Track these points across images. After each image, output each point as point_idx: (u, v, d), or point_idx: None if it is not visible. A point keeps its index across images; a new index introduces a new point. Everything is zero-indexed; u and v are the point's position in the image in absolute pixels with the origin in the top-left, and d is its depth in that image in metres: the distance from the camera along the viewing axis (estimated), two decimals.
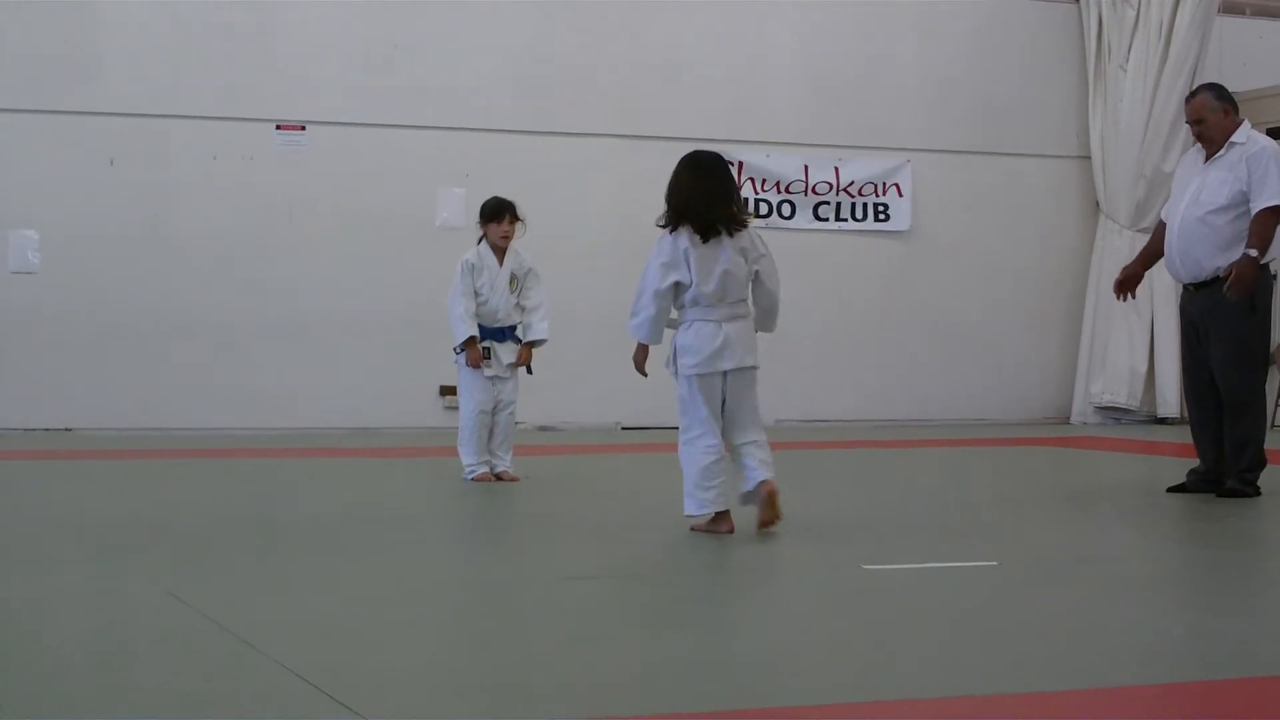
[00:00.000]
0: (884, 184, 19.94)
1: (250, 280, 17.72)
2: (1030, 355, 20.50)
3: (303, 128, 18.01)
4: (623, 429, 18.49)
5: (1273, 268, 11.57)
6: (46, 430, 17.04)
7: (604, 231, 18.72)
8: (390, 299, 17.95)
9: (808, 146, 19.61)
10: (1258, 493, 11.35)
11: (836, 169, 19.69)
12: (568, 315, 18.56)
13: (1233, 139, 11.38)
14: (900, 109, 19.95)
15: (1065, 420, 20.35)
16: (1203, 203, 11.36)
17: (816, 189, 19.68)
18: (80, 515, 10.50)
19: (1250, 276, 11.17)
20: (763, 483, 9.35)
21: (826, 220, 19.72)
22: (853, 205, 19.84)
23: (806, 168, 19.61)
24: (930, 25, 20.11)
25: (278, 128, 17.94)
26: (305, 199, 17.87)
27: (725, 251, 9.34)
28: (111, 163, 17.43)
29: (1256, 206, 11.20)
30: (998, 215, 20.35)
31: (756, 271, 9.53)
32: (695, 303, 9.40)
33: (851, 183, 19.80)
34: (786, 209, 19.57)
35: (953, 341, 20.11)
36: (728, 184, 9.55)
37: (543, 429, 18.21)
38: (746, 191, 19.26)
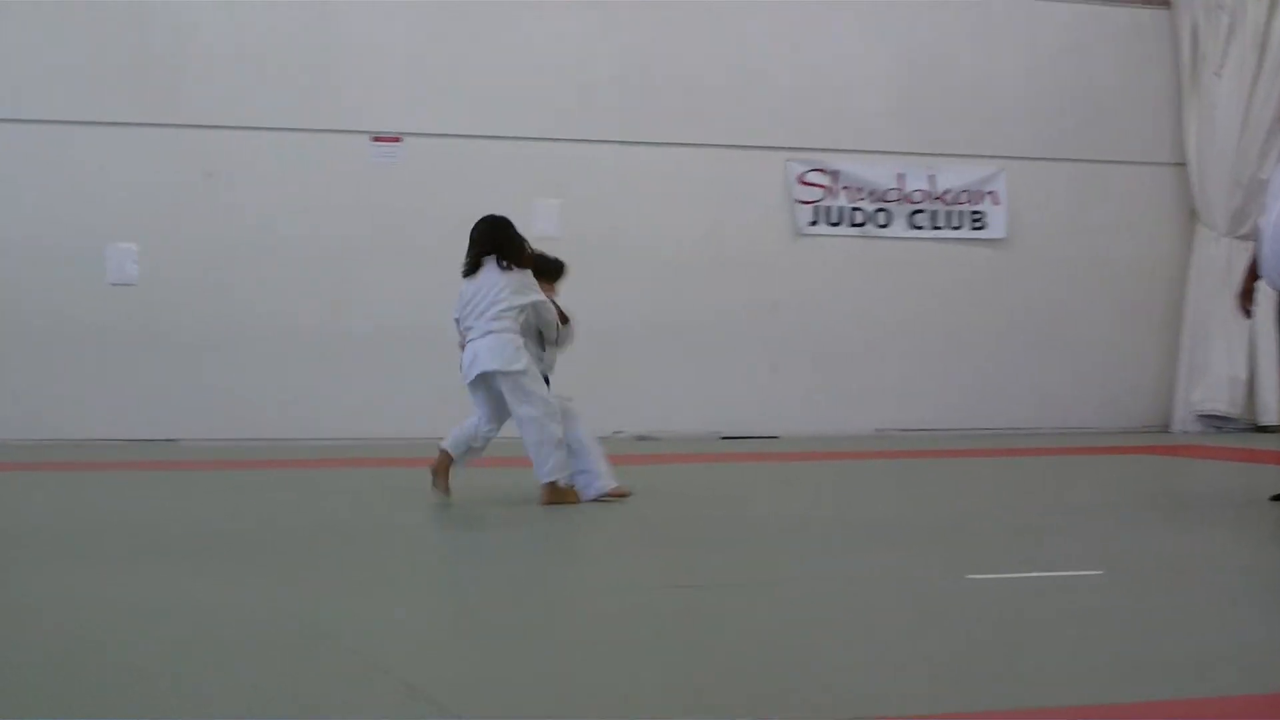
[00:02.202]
0: (979, 192, 19.87)
1: (344, 291, 17.83)
2: (1127, 363, 20.35)
3: (399, 139, 18.11)
4: (722, 439, 18.47)
5: None
6: (149, 441, 17.20)
7: (695, 240, 18.75)
8: None
9: (902, 155, 19.56)
10: None
11: (931, 177, 19.64)
12: (661, 324, 18.64)
13: None
14: (995, 117, 19.85)
15: (1164, 428, 20.19)
16: None
17: (911, 197, 19.64)
18: (185, 524, 10.61)
19: None
20: None
21: (922, 228, 19.67)
22: (948, 213, 19.78)
23: (902, 176, 19.56)
24: (1024, 33, 20.02)
25: (374, 140, 18.05)
26: (400, 210, 17.95)
27: None
28: (208, 175, 17.57)
29: None
30: (1093, 222, 20.23)
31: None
32: None
33: (947, 191, 19.73)
34: (882, 217, 19.53)
35: (1050, 349, 19.99)
36: None
37: (641, 439, 18.24)
38: (841, 200, 19.30)
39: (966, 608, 7.58)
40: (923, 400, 19.53)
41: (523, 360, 11.38)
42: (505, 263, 11.52)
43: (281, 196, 17.72)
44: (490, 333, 11.37)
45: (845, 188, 19.37)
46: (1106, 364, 20.21)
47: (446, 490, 11.62)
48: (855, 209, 19.42)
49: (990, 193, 19.88)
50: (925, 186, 19.65)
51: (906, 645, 6.72)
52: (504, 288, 11.44)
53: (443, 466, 11.67)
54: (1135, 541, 10.10)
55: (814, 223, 19.27)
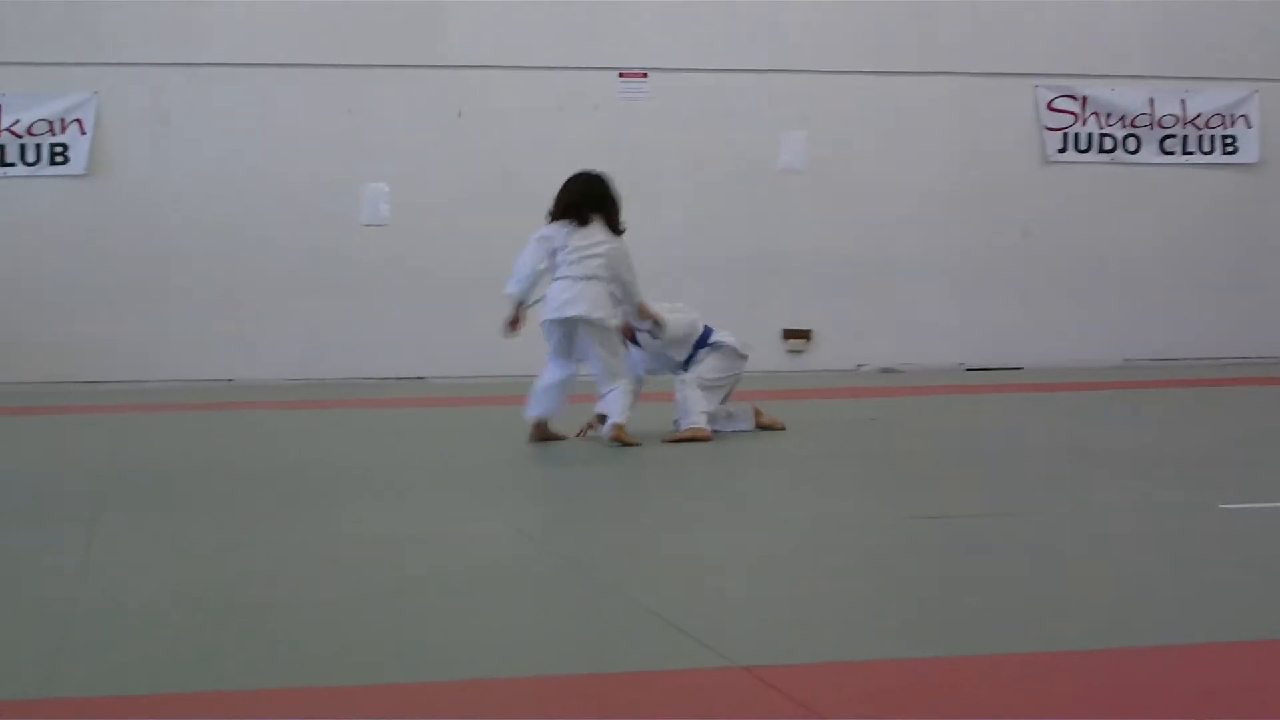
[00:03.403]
0: (1232, 115, 19.45)
1: None
2: None
3: (645, 75, 18.17)
4: (967, 370, 18.34)
5: None
6: (399, 379, 17.51)
7: (944, 173, 18.61)
8: (733, 242, 18.06)
9: (1153, 79, 19.20)
10: None
11: (1183, 101, 19.26)
12: (911, 259, 18.53)
13: None
14: (1247, 38, 19.40)
15: None
16: None
17: (1162, 122, 19.28)
18: (436, 458, 10.81)
19: None
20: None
21: (1173, 154, 19.32)
22: (1200, 138, 19.40)
23: (1152, 100, 19.22)
24: None
25: (620, 75, 18.13)
26: (648, 146, 18.00)
27: None
28: (460, 114, 17.79)
29: None
30: None
31: None
32: None
33: (1198, 115, 19.35)
34: (1132, 143, 19.21)
35: None
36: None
37: (886, 371, 18.18)
38: (1091, 126, 19.04)
39: (1220, 537, 7.46)
40: (1173, 328, 19.21)
41: (617, 315, 11.20)
42: (612, 227, 11.33)
43: (530, 135, 17.82)
44: (592, 278, 11.10)
45: (1094, 113, 19.09)
46: None
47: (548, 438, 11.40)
48: (1105, 135, 19.13)
49: (1243, 116, 19.45)
50: (1176, 111, 19.29)
51: (1159, 574, 6.63)
52: (610, 250, 11.21)
53: (540, 432, 11.34)
54: None
55: (1062, 149, 19.03)
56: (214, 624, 5.68)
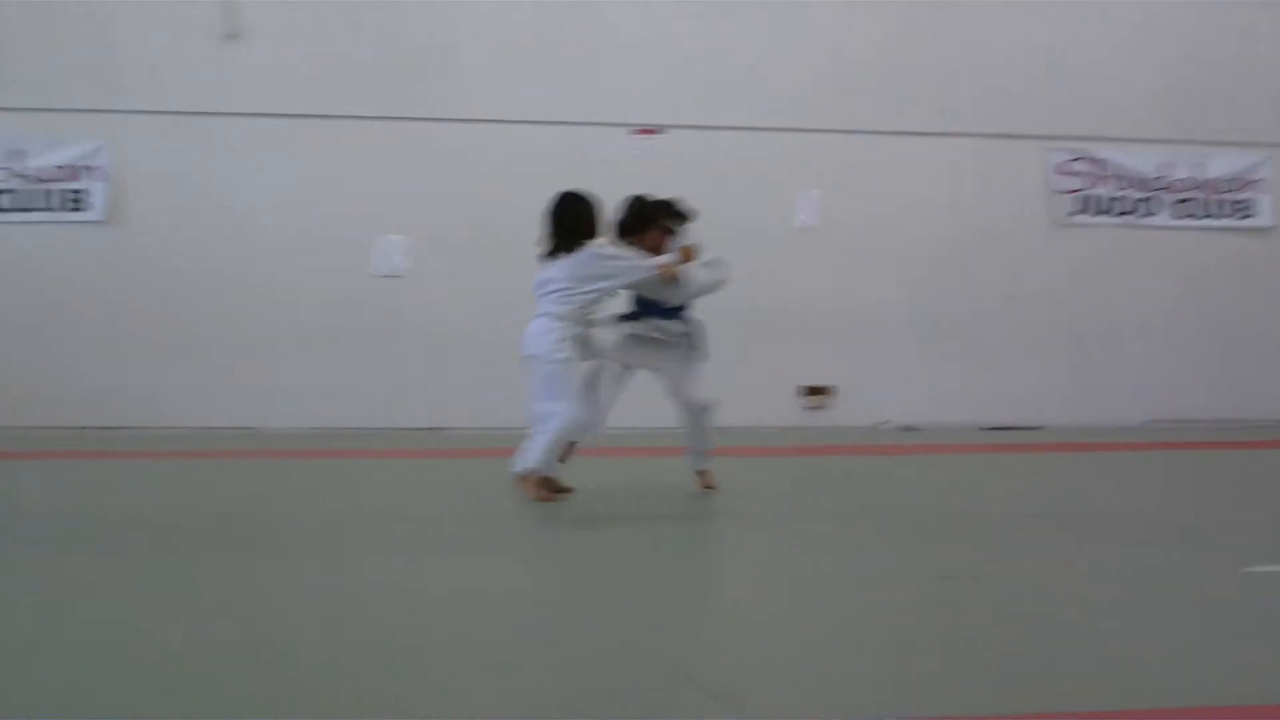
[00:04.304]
0: (1245, 180, 19.50)
1: None
2: None
3: (658, 130, 18.21)
4: (982, 429, 18.33)
5: None
6: (417, 430, 17.51)
7: (956, 233, 18.66)
8: (749, 299, 18.05)
9: (1167, 143, 19.25)
10: None
11: (1198, 165, 19.31)
12: (922, 313, 18.55)
13: None
14: (1260, 105, 19.47)
15: None
16: None
17: (1176, 186, 19.33)
18: (452, 510, 10.79)
19: None
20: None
21: (1188, 217, 19.36)
22: (1214, 202, 19.44)
23: (1166, 164, 19.26)
24: None
25: (635, 132, 18.16)
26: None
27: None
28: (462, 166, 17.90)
29: None
30: None
31: None
32: None
33: (1212, 179, 19.40)
34: (1145, 207, 19.26)
35: None
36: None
37: (906, 429, 18.17)
38: (1103, 189, 19.07)
39: (1245, 601, 7.43)
40: (1193, 391, 19.21)
41: (564, 351, 10.70)
42: (575, 245, 10.76)
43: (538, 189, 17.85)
44: (544, 315, 10.78)
45: (1107, 176, 19.14)
46: None
47: (556, 491, 11.06)
48: (1117, 199, 19.18)
49: (1257, 180, 19.49)
50: (1192, 174, 19.33)
51: (1184, 637, 6.61)
52: (569, 273, 10.75)
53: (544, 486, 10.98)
54: None
55: (1075, 212, 19.07)
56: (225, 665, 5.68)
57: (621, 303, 11.34)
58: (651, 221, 11.20)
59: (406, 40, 17.84)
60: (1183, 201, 19.39)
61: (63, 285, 17.37)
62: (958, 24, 18.83)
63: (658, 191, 17.77)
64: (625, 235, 11.15)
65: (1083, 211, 19.10)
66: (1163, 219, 19.32)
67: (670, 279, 11.01)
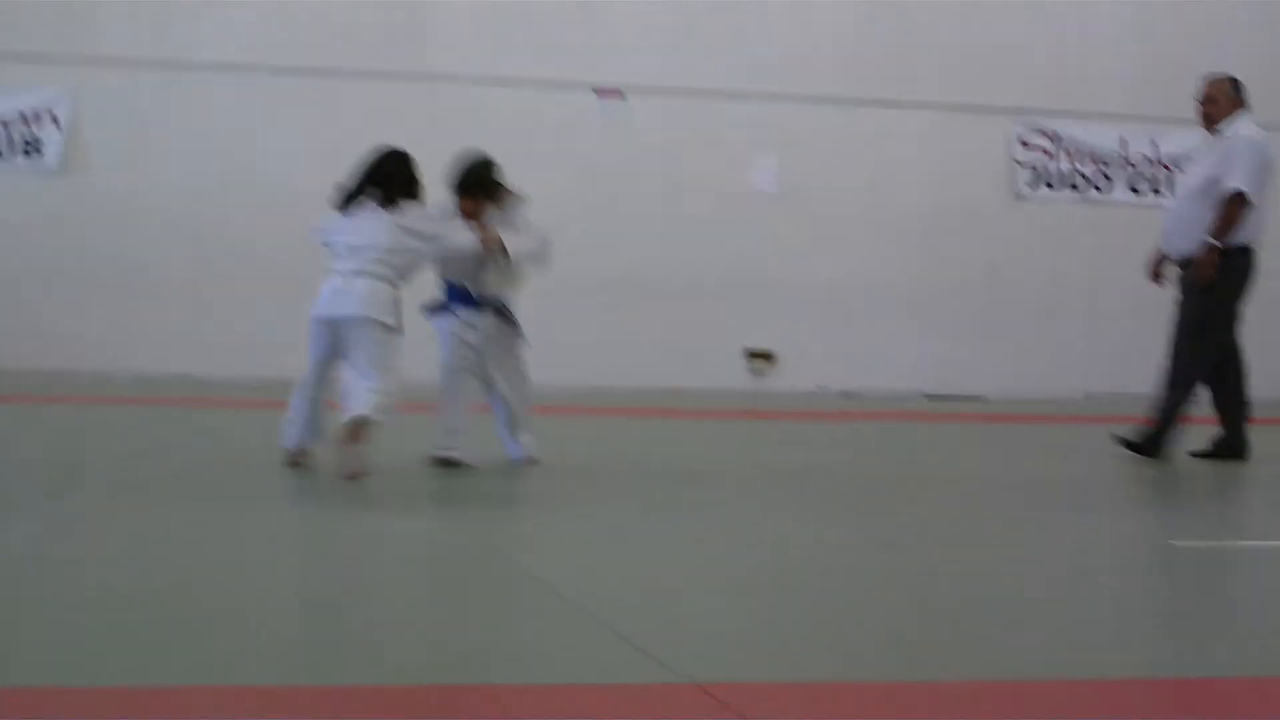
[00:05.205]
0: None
1: (573, 242, 17.96)
2: None
3: (619, 92, 18.19)
4: (925, 396, 18.40)
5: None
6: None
7: (916, 203, 18.71)
8: (701, 263, 18.10)
9: (1126, 119, 19.32)
10: None
11: (1154, 142, 19.38)
12: (875, 284, 18.62)
13: (1226, 126, 11.35)
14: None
15: None
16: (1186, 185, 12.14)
17: (1133, 162, 19.41)
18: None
19: (1208, 262, 11.84)
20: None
21: (1142, 194, 19.43)
22: (1169, 179, 19.51)
23: (1124, 141, 19.33)
24: None
25: (598, 94, 18.15)
26: (624, 165, 18.04)
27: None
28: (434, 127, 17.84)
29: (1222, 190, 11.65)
30: None
31: None
32: None
33: (1169, 157, 19.46)
34: (1102, 182, 19.33)
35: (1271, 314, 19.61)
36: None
37: (846, 395, 18.23)
38: (1063, 163, 19.14)
39: (1171, 573, 7.49)
40: (1135, 364, 19.26)
41: (395, 317, 9.79)
42: (390, 200, 9.91)
43: (507, 151, 17.82)
44: (365, 275, 9.85)
45: (1066, 151, 19.21)
46: None
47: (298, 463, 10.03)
48: (1077, 172, 19.25)
49: None
50: (1148, 152, 19.40)
51: (1110, 607, 6.64)
52: (386, 230, 9.85)
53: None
54: None
55: (1033, 185, 19.14)
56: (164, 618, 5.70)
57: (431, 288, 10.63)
58: (488, 188, 10.43)
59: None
60: (1138, 178, 19.45)
61: (15, 231, 17.31)
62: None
63: (622, 152, 17.91)
64: (459, 193, 10.39)
65: (1044, 185, 19.17)
66: (1118, 194, 19.37)
67: (492, 254, 10.17)
